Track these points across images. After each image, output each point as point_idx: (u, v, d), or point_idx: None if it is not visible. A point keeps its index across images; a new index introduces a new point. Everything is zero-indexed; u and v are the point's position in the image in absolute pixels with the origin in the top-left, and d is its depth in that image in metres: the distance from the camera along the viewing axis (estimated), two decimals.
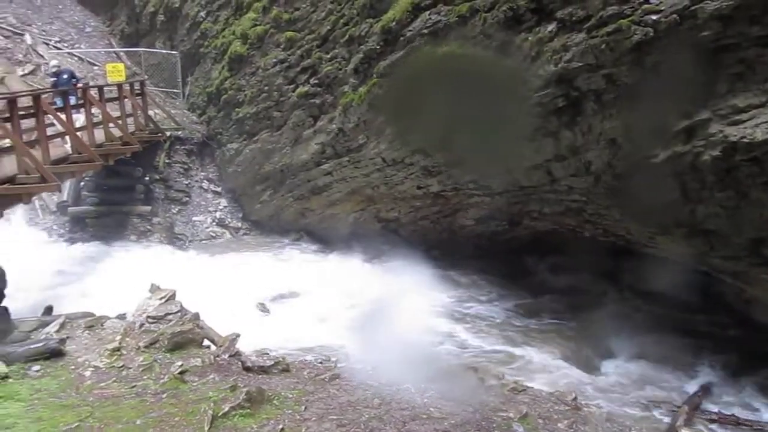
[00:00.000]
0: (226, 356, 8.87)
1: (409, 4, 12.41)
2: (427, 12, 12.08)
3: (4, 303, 10.16)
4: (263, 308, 12.45)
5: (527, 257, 15.44)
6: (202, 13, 19.03)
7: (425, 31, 12.12)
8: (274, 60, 15.97)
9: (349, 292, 13.25)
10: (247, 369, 8.45)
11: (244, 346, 9.58)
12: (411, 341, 9.95)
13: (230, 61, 17.31)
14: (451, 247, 16.02)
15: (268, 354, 9.25)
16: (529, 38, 10.33)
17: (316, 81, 15.05)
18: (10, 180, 10.74)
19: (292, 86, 15.66)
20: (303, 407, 7.38)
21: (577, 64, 9.60)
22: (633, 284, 13.29)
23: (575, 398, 8.46)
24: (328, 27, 14.70)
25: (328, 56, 14.76)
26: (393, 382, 8.24)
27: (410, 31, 12.36)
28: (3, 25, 22.09)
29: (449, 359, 10.64)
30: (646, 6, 8.73)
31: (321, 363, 9.42)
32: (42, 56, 21.67)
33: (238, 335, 9.30)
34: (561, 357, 11.14)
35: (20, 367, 8.12)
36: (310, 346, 10.65)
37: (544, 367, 10.85)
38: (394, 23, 12.65)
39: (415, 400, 7.82)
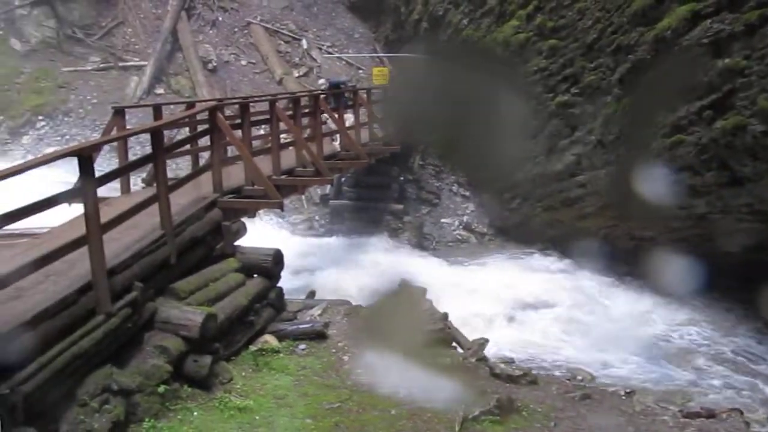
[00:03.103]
0: (473, 360, 8.99)
1: (687, 11, 11.63)
2: (709, 20, 11.24)
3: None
4: (508, 316, 12.44)
5: None
6: (465, 21, 19.42)
7: (705, 40, 11.30)
8: (535, 68, 15.84)
9: (599, 310, 12.80)
10: (495, 376, 8.48)
11: (489, 351, 9.65)
12: (668, 372, 9.38)
13: None
14: (710, 273, 14.77)
15: (515, 363, 9.20)
16: None
17: (577, 90, 14.68)
18: (288, 172, 11.81)
19: (551, 95, 15.44)
20: (552, 423, 7.24)
21: None
22: None
23: None
24: (595, 35, 14.25)
25: (592, 65, 14.32)
26: (649, 412, 7.80)
27: (687, 40, 11.59)
28: (284, 31, 24.40)
29: (708, 395, 9.80)
30: None
31: (569, 380, 9.18)
32: (315, 60, 23.61)
33: (486, 340, 9.38)
34: None
35: (289, 344, 8.86)
36: (557, 361, 10.42)
37: None
38: (668, 32, 11.95)
39: None
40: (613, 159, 13.79)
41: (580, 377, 9.63)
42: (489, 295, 13.06)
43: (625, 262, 15.36)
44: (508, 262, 16.18)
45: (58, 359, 5.66)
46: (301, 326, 9.26)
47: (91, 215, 6.14)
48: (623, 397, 8.38)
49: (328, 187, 17.55)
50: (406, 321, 9.59)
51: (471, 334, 10.27)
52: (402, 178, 18.10)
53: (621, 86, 13.23)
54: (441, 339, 9.39)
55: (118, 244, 7.13)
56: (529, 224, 17.43)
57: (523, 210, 17.31)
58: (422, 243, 17.29)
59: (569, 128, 15.05)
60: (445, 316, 10.18)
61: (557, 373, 9.61)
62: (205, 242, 8.79)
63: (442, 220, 18.19)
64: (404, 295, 10.49)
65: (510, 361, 9.34)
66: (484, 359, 9.13)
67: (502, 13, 17.58)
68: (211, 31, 23.94)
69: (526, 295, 13.49)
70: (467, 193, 18.79)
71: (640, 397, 8.54)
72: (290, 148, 12.30)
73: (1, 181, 5.15)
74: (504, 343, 10.69)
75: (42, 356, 5.52)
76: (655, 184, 13.27)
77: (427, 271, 14.02)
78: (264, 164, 11.17)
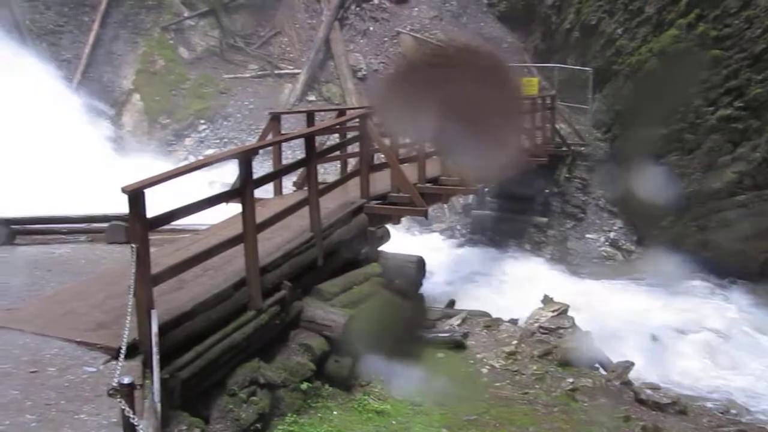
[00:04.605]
0: (617, 383, 8.65)
1: None
2: None
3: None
4: (655, 339, 11.79)
5: None
6: (619, 30, 18.75)
7: None
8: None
9: (756, 341, 11.88)
10: (640, 401, 8.12)
11: (633, 375, 9.24)
12: None
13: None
14: None
15: (662, 390, 8.73)
16: None
17: (741, 104, 13.84)
18: (433, 180, 11.86)
19: (711, 108, 14.60)
20: None
21: None
22: None
23: None
24: (764, 45, 13.39)
25: (759, 77, 13.49)
26: None
27: None
28: (433, 40, 24.54)
29: None
30: None
31: (722, 413, 8.59)
32: None
33: (632, 363, 8.99)
34: None
35: (428, 351, 8.89)
36: (708, 391, 9.76)
37: None
38: None
39: None
40: None
41: (734, 411, 8.96)
42: (635, 315, 12.43)
43: None
44: (655, 282, 15.31)
45: (212, 349, 6.00)
46: (440, 335, 9.30)
47: (248, 215, 6.46)
48: None
49: (471, 196, 17.47)
50: None
51: (614, 356, 9.88)
52: (547, 191, 17.69)
53: None
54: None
55: (270, 244, 7.46)
56: (680, 244, 16.49)
57: (674, 229, 16.42)
58: (566, 258, 16.76)
59: (731, 144, 14.20)
60: (588, 335, 9.87)
61: (709, 404, 9.00)
62: (350, 246, 9.00)
63: (587, 236, 17.57)
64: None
65: (656, 387, 8.87)
66: (628, 383, 8.76)
67: (660, 21, 16.86)
68: (361, 41, 24.51)
69: (675, 318, 12.69)
70: (615, 209, 18.03)
71: None
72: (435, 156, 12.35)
73: (170, 180, 5.53)
74: (650, 367, 10.14)
75: (198, 345, 5.87)
76: None
77: (569, 287, 13.58)
78: (409, 171, 11.28)
